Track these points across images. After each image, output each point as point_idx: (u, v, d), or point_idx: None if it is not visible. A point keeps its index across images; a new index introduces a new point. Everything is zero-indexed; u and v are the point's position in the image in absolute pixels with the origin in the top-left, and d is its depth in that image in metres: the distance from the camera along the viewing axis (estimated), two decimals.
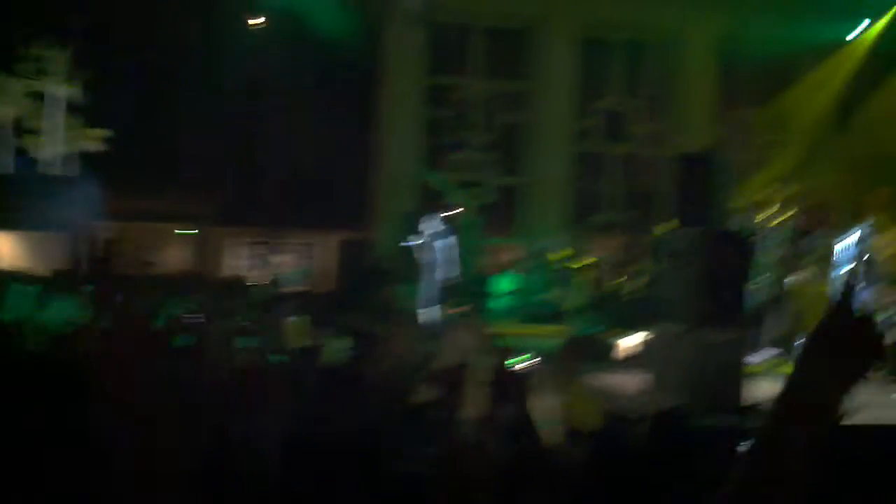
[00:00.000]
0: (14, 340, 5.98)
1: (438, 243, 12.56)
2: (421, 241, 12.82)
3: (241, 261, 23.54)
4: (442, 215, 12.88)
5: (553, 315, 13.67)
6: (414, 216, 17.08)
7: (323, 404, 5.00)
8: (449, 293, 12.54)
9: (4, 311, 7.79)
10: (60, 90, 23.14)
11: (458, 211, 15.20)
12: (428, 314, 13.18)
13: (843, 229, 11.30)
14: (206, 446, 3.65)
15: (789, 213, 11.04)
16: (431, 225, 12.71)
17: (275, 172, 20.65)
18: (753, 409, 7.15)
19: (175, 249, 23.71)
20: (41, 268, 18.18)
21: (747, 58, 21.71)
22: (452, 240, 12.47)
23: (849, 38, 19.93)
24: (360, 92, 21.08)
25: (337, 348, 9.26)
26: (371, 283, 15.37)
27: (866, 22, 19.74)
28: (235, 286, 17.45)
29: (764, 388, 7.93)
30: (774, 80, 21.44)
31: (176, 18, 20.44)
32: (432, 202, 19.93)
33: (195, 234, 23.15)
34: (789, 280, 9.81)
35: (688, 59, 21.71)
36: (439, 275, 12.60)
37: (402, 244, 12.76)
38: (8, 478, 2.56)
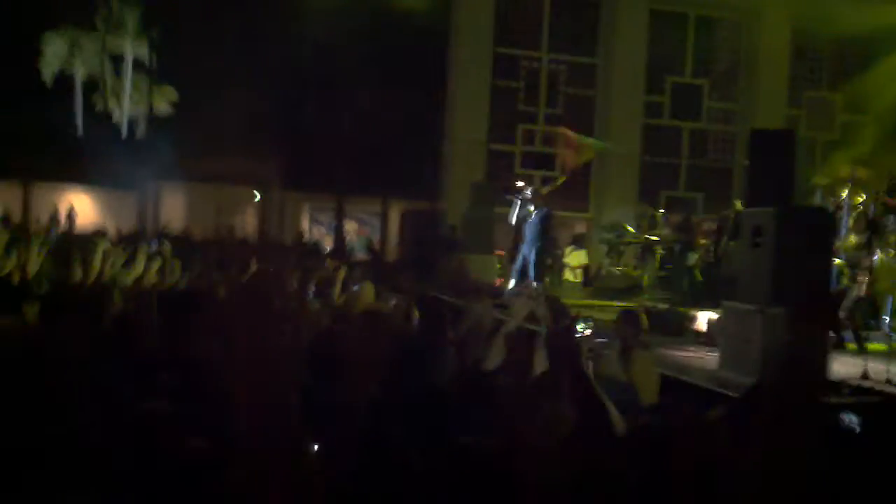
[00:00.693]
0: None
1: (526, 217, 12.61)
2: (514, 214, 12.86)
3: (310, 225, 23.81)
4: (526, 190, 12.87)
5: (628, 289, 13.58)
6: (483, 187, 17.06)
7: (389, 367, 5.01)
8: (525, 265, 12.53)
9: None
10: (134, 49, 23.46)
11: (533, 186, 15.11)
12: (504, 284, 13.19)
13: None
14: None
15: (870, 193, 10.82)
16: (517, 198, 12.75)
17: (342, 138, 20.73)
18: (839, 385, 7.05)
19: (246, 213, 24.04)
20: (115, 226, 18.56)
21: (826, 37, 21.28)
22: (535, 213, 12.47)
23: None
24: (430, 60, 21.07)
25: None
26: (439, 252, 15.40)
27: None
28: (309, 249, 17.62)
29: (849, 366, 7.84)
30: (854, 60, 20.98)
31: None
32: (501, 173, 19.97)
33: (263, 197, 23.44)
34: (872, 259, 9.63)
35: (763, 35, 21.33)
36: (522, 247, 12.65)
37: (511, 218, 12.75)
38: None
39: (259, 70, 20.42)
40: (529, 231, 12.62)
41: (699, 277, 12.24)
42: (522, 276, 12.48)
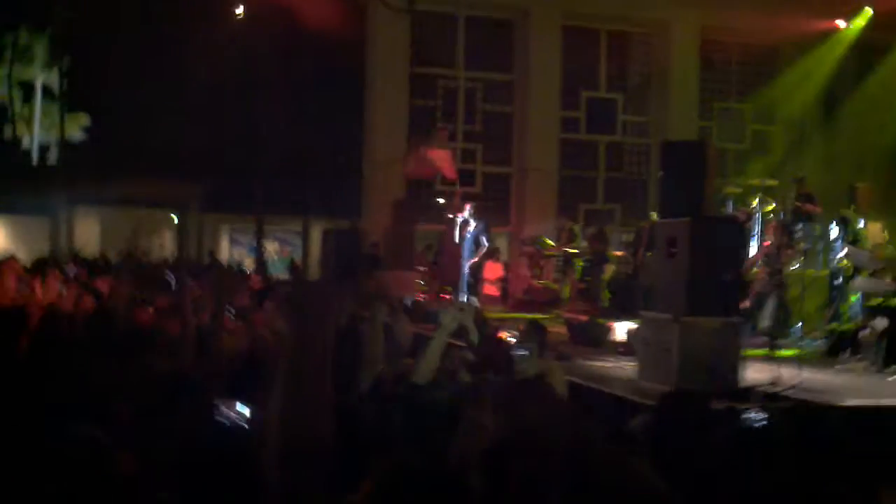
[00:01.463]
0: None
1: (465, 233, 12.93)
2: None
3: (229, 246, 23.53)
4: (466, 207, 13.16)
5: (548, 301, 13.72)
6: (404, 205, 17.11)
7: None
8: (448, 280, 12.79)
9: None
10: (43, 76, 23.03)
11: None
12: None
13: (830, 218, 11.44)
14: None
15: (779, 202, 11.14)
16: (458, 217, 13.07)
17: (262, 159, 20.59)
18: (750, 392, 7.22)
19: (163, 236, 23.67)
20: (27, 252, 18.10)
21: (734, 49, 21.87)
22: (472, 228, 12.77)
23: (835, 27, 19.98)
24: (347, 80, 21.06)
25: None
26: (361, 270, 15.35)
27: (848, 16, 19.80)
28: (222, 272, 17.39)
29: (761, 372, 8.04)
30: (761, 70, 21.59)
31: (161, 6, 20.36)
32: (420, 190, 20.03)
33: (181, 219, 23.11)
34: (782, 265, 9.92)
35: (673, 49, 21.82)
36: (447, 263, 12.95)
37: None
38: None
39: (174, 92, 20.19)
40: (467, 246, 12.86)
41: (608, 290, 12.48)
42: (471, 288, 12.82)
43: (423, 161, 17.14)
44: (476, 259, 12.81)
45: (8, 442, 3.02)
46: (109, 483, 2.62)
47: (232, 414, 3.73)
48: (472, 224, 12.98)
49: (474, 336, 5.91)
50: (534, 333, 6.74)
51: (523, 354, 6.47)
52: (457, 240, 13.32)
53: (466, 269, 12.72)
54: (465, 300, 12.73)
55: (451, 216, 13.51)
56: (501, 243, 20.16)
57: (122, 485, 2.67)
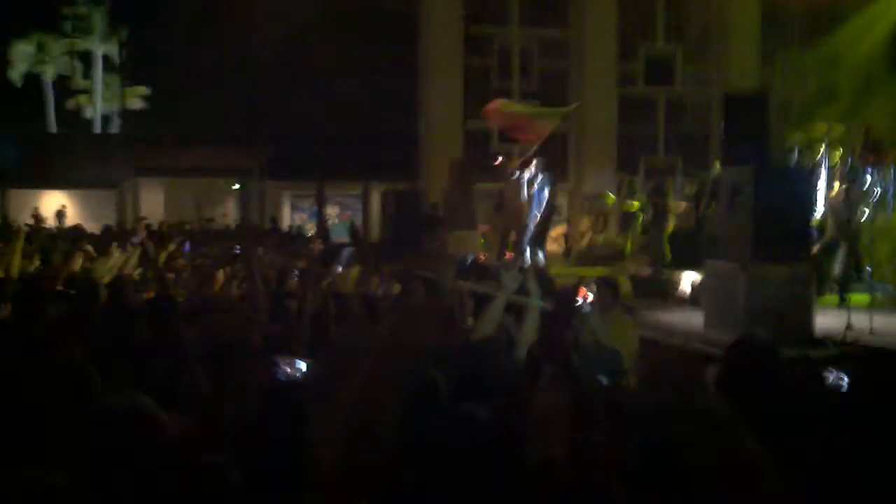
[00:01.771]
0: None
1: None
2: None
3: (291, 212, 23.75)
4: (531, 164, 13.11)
5: (611, 256, 13.63)
6: (462, 165, 17.08)
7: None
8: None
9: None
10: (102, 48, 23.30)
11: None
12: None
13: None
14: None
15: (846, 151, 10.89)
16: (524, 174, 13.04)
17: (319, 125, 20.67)
18: (824, 340, 7.12)
19: (226, 204, 23.96)
20: (95, 224, 18.47)
21: None
22: (537, 184, 12.73)
23: None
24: (402, 42, 21.02)
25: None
26: (422, 231, 15.42)
27: None
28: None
29: (829, 321, 7.90)
30: (824, 19, 21.01)
31: None
32: (478, 150, 19.95)
33: (243, 187, 23.35)
34: (851, 214, 9.70)
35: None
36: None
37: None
38: None
39: (232, 62, 20.33)
40: (535, 203, 12.82)
41: (668, 243, 12.33)
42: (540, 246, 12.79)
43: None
44: (542, 216, 12.73)
45: (56, 408, 3.07)
46: (152, 446, 2.66)
47: (289, 370, 3.80)
48: (539, 180, 12.90)
49: (536, 296, 5.91)
50: (606, 290, 6.70)
51: (587, 312, 6.45)
52: (524, 197, 13.25)
53: (533, 227, 12.66)
54: (534, 257, 12.71)
55: (517, 172, 13.43)
56: (561, 200, 20.05)
57: (166, 447, 2.71)
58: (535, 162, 13.32)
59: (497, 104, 14.93)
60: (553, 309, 5.26)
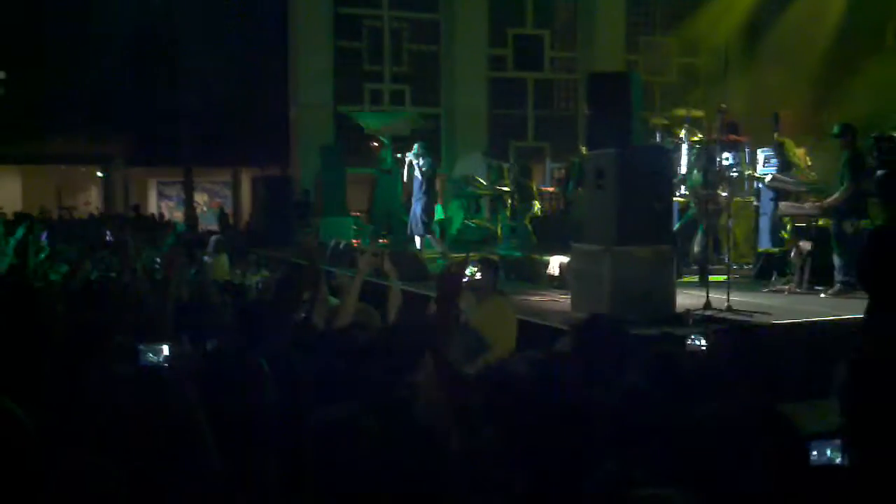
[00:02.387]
0: None
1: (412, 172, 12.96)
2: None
3: (157, 200, 23.14)
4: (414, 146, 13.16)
5: (483, 240, 13.78)
6: (333, 150, 16.95)
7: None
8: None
9: None
10: None
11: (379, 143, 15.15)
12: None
13: (756, 145, 11.61)
14: None
15: (706, 131, 11.26)
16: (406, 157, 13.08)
17: (187, 110, 20.18)
18: (684, 317, 7.34)
19: (89, 192, 23.18)
20: None
21: None
22: (417, 166, 12.77)
23: None
24: (271, 25, 20.67)
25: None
26: (291, 218, 15.27)
27: None
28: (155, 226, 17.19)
29: (693, 298, 8.17)
30: (685, 3, 21.64)
31: None
32: (350, 134, 19.84)
33: (106, 175, 22.63)
34: (710, 193, 10.06)
35: None
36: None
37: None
38: None
39: (94, 44, 19.64)
40: (416, 185, 12.86)
41: (543, 226, 12.57)
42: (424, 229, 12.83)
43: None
44: (426, 199, 12.78)
45: None
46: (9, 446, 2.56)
47: (152, 355, 3.70)
48: (421, 162, 12.92)
49: (394, 279, 5.93)
50: (487, 271, 6.79)
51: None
52: (405, 179, 13.30)
53: (418, 208, 12.71)
54: (423, 241, 12.78)
55: (398, 156, 13.46)
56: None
57: (22, 446, 2.61)
58: (416, 145, 13.36)
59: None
60: (439, 291, 5.30)
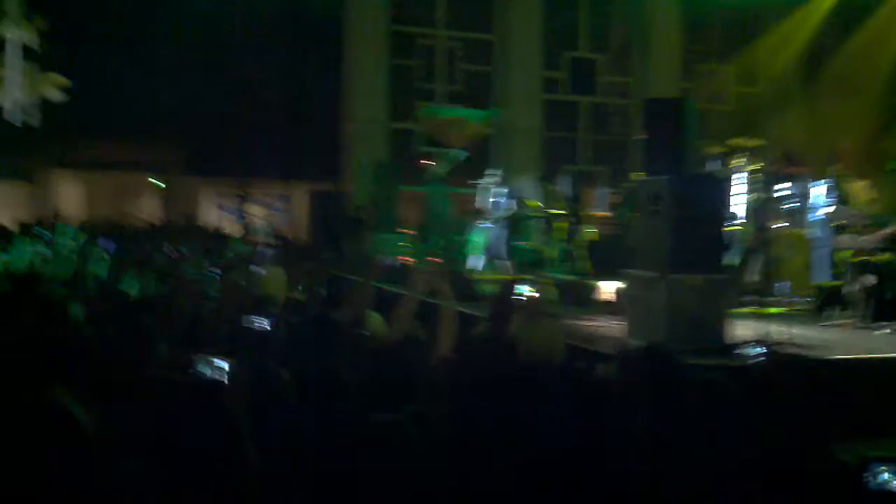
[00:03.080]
0: None
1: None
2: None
3: (214, 210, 23.39)
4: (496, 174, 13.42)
5: (534, 263, 13.80)
6: (386, 167, 17.09)
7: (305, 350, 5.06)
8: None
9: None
10: (18, 34, 22.65)
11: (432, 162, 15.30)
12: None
13: (814, 177, 11.52)
14: None
15: (763, 161, 11.20)
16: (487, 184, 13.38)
17: (244, 123, 20.44)
18: (735, 349, 7.29)
19: (146, 199, 23.50)
20: (6, 218, 17.97)
21: (716, 10, 21.81)
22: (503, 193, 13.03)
23: None
24: (327, 41, 20.89)
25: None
26: (345, 233, 15.40)
27: None
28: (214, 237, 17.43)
29: (748, 329, 8.11)
30: (743, 32, 21.56)
31: None
32: (403, 152, 19.98)
33: (166, 184, 22.96)
34: (767, 224, 10.00)
35: (655, 10, 21.80)
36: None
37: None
38: None
39: (156, 55, 19.98)
40: (497, 210, 13.07)
41: (596, 251, 12.59)
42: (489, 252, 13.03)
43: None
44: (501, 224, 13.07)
45: None
46: (71, 445, 2.62)
47: (209, 369, 3.78)
48: (504, 190, 13.20)
49: (448, 298, 5.97)
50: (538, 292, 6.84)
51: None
52: (486, 205, 13.57)
53: (504, 234, 12.98)
54: (488, 263, 12.96)
55: (477, 182, 13.74)
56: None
57: (85, 447, 2.67)
58: (498, 172, 13.58)
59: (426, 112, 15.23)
60: (493, 310, 5.36)
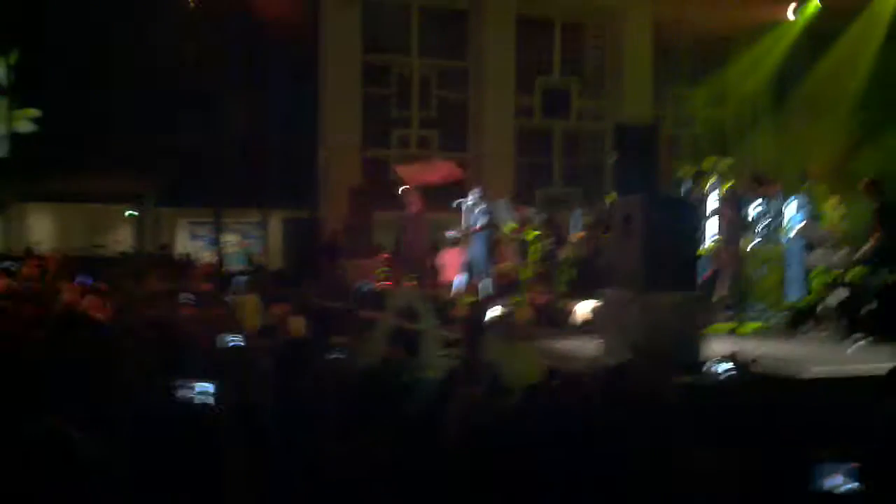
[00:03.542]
0: None
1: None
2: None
3: (188, 240, 23.30)
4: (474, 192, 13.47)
5: (509, 285, 13.82)
6: (361, 193, 17.11)
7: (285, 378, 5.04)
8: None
9: None
10: None
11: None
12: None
13: (786, 195, 11.61)
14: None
15: (734, 181, 11.28)
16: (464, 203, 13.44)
17: (217, 151, 20.40)
18: (707, 367, 7.28)
19: (119, 231, 23.38)
20: None
21: (686, 36, 22.04)
22: (479, 212, 13.07)
23: (785, 17, 20.19)
24: (301, 69, 20.94)
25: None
26: (320, 260, 15.35)
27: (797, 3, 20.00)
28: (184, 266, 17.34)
29: (718, 348, 8.12)
30: (714, 57, 21.79)
31: None
32: (378, 178, 20.00)
33: (138, 214, 22.87)
34: (741, 242, 10.06)
35: (627, 37, 22.04)
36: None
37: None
38: None
39: (125, 84, 19.95)
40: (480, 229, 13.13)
41: (571, 272, 12.61)
42: (470, 271, 12.95)
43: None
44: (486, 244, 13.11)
45: None
46: (73, 469, 2.60)
47: (193, 393, 3.76)
48: (481, 207, 13.23)
49: (427, 319, 5.97)
50: (512, 312, 6.86)
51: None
52: (462, 225, 13.62)
53: (482, 251, 13.02)
54: (488, 285, 12.98)
55: (459, 200, 13.78)
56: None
57: (86, 470, 2.65)
58: (476, 189, 13.64)
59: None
60: (464, 333, 5.39)
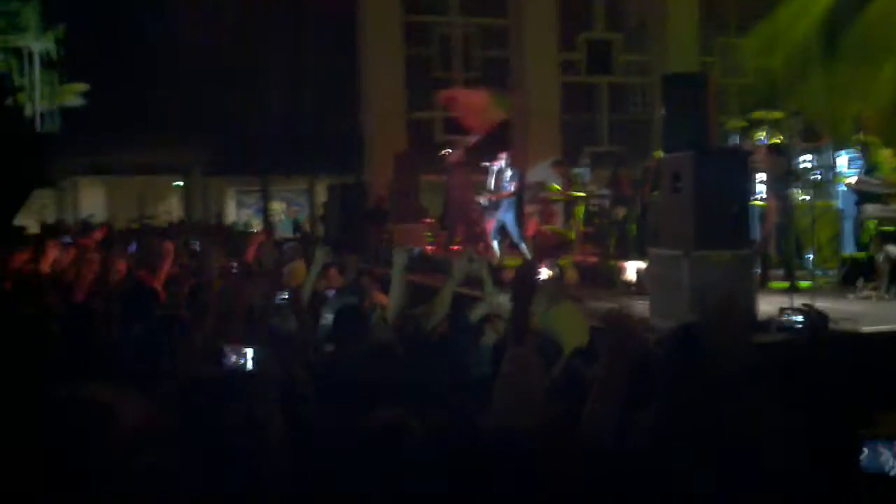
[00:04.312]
0: None
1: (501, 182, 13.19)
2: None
3: (236, 209, 23.54)
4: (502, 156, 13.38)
5: (557, 246, 13.71)
6: (406, 157, 17.05)
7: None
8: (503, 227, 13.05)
9: None
10: (38, 45, 22.81)
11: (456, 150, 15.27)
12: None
13: (837, 147, 11.34)
14: None
15: (784, 134, 11.04)
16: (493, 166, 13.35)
17: (262, 120, 20.48)
18: (767, 323, 7.19)
19: (169, 201, 23.67)
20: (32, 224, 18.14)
21: None
22: (509, 177, 13.00)
23: None
24: (341, 34, 20.87)
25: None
26: (368, 224, 15.38)
27: None
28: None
29: (776, 305, 7.98)
30: (759, 4, 21.28)
31: None
32: (420, 142, 19.93)
33: (186, 184, 23.09)
34: (792, 197, 9.86)
35: None
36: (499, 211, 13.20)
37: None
38: None
39: (171, 56, 20.05)
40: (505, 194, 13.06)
41: (633, 230, 12.43)
42: (502, 237, 12.82)
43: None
44: (516, 209, 12.98)
45: (13, 404, 3.01)
46: (113, 438, 2.60)
47: (236, 356, 3.79)
48: (509, 173, 13.12)
49: (489, 286, 5.94)
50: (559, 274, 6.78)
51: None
52: (491, 188, 13.51)
53: (510, 217, 12.92)
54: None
55: (486, 164, 13.66)
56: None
57: (128, 437, 2.65)
58: (504, 154, 13.51)
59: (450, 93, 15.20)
60: (514, 289, 5.36)
